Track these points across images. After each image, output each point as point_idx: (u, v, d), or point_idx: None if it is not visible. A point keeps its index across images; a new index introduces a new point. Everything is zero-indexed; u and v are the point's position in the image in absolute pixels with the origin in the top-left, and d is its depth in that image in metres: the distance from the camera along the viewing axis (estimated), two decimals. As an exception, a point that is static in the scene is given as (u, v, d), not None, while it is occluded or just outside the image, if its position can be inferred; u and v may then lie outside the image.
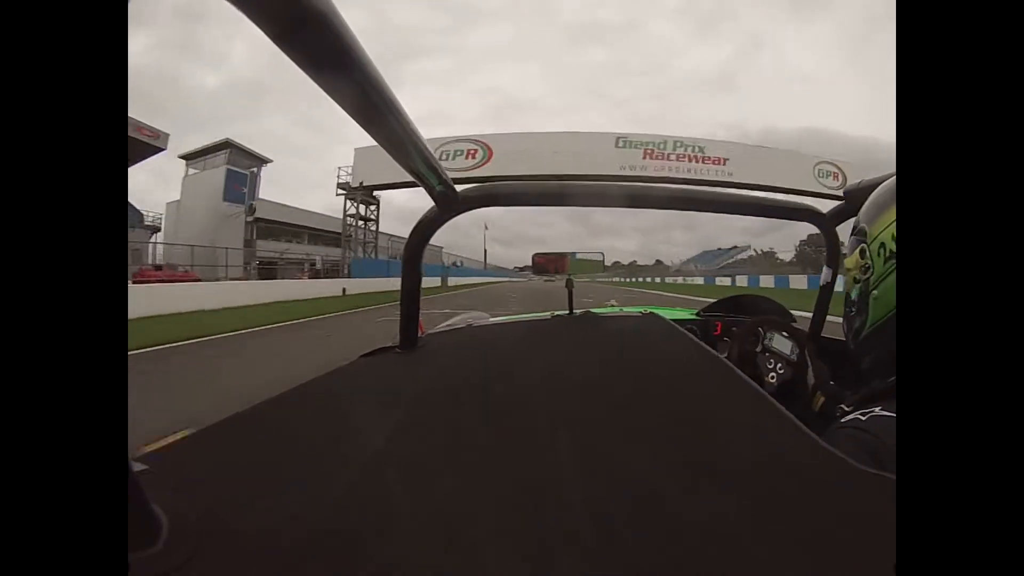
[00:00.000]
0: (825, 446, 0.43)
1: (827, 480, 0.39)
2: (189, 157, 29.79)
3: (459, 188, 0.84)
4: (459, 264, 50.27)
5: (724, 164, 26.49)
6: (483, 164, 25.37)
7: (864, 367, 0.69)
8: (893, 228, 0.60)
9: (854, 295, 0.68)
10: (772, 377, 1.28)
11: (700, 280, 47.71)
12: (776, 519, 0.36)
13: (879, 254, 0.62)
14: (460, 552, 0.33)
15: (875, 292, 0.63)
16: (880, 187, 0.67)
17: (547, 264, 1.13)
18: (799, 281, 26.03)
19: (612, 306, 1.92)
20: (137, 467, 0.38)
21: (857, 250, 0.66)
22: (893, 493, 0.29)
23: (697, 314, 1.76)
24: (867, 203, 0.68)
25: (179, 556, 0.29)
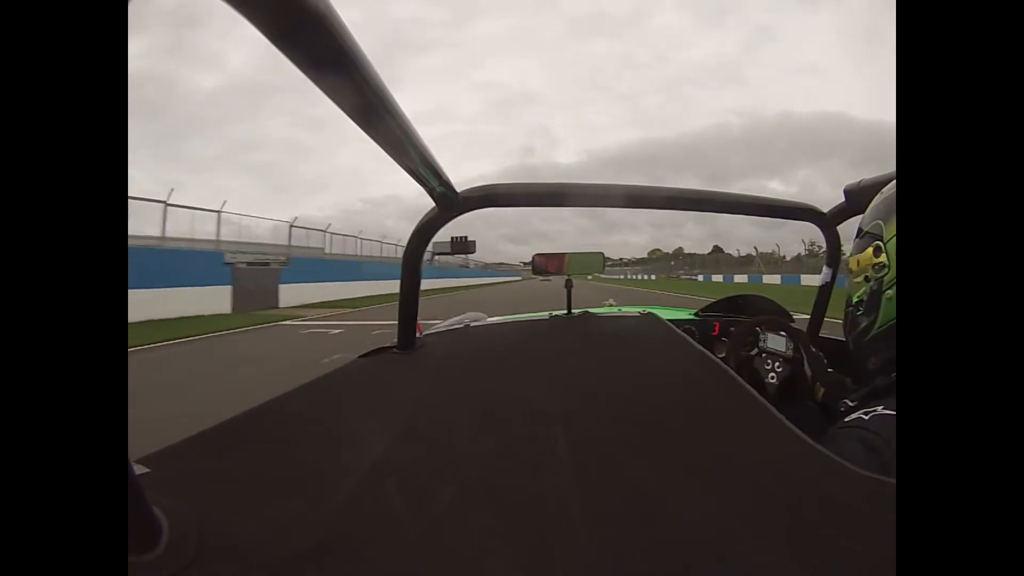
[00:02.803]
0: (824, 451, 0.42)
1: (827, 486, 0.39)
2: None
3: (460, 189, 0.84)
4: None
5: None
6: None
7: (869, 367, 0.68)
8: None
9: (863, 295, 0.66)
10: (772, 377, 1.28)
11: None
12: (776, 526, 0.35)
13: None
14: (459, 559, 0.33)
15: (889, 292, 0.61)
16: (890, 187, 0.66)
17: (546, 264, 1.13)
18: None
19: (610, 306, 1.92)
20: (138, 470, 0.38)
21: (871, 248, 0.64)
22: (893, 497, 0.29)
23: (695, 314, 1.75)
24: (877, 203, 0.67)
25: (179, 561, 0.29)
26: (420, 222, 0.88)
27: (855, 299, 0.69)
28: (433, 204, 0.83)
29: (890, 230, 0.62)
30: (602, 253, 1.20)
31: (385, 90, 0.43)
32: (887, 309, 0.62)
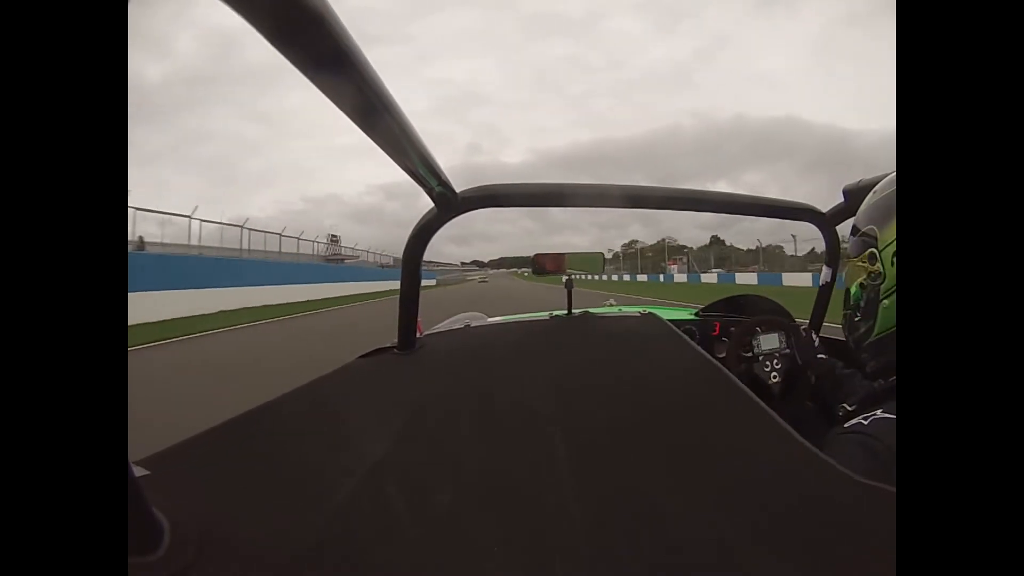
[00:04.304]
0: (820, 455, 0.42)
1: (824, 490, 0.39)
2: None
3: (459, 189, 0.84)
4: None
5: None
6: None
7: (868, 368, 0.68)
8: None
9: (860, 299, 0.66)
10: (774, 376, 1.28)
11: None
12: (773, 529, 0.35)
13: (892, 263, 0.60)
14: (459, 559, 0.33)
15: (886, 302, 0.61)
16: (884, 187, 0.66)
17: (547, 263, 1.14)
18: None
19: (611, 305, 1.92)
20: (138, 471, 0.37)
21: (866, 254, 0.64)
22: (891, 503, 0.29)
23: (696, 314, 1.75)
24: (871, 204, 0.66)
25: (180, 562, 0.29)
26: (419, 223, 0.88)
27: (852, 301, 0.69)
28: (432, 204, 0.83)
29: (884, 237, 0.61)
30: (601, 254, 1.21)
31: (384, 90, 0.43)
32: (884, 318, 0.62)
